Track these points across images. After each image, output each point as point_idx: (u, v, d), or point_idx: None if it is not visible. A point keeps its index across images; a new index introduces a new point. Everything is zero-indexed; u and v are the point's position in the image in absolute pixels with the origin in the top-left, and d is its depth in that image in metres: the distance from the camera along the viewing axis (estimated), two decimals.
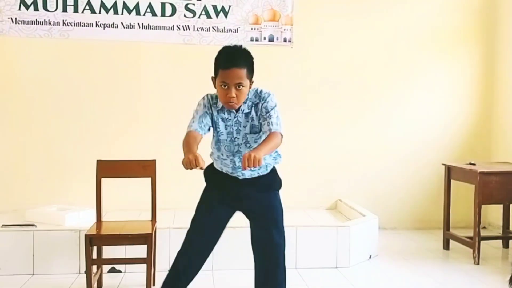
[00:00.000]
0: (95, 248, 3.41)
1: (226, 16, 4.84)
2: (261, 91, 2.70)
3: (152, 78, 4.87)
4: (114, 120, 4.82)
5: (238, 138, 2.69)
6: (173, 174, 4.67)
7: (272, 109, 2.65)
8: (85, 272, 3.33)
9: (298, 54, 4.98)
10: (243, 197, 2.76)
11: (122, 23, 4.74)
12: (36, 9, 4.65)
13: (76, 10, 4.70)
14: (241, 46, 2.65)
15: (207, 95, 2.74)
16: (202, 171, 2.72)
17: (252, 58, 2.63)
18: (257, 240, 2.77)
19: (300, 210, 4.90)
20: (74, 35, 4.69)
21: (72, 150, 4.76)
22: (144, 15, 4.76)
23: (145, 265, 3.34)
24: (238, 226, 3.99)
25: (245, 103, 2.67)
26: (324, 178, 5.12)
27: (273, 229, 2.73)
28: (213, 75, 2.62)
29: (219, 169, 2.79)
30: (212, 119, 2.70)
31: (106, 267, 3.79)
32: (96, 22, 4.72)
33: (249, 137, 2.69)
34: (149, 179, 3.59)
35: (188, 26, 4.80)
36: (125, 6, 4.73)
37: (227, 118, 2.68)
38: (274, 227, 2.74)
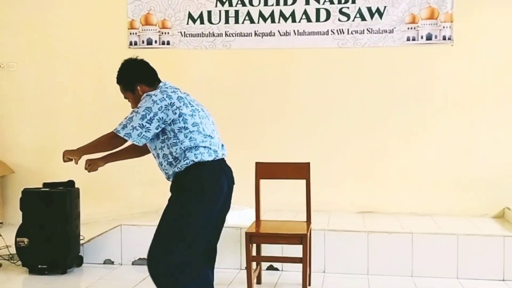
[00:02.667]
0: (254, 245, 3.61)
1: (381, 17, 4.78)
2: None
3: (307, 83, 4.99)
4: (272, 124, 5.03)
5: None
6: (326, 176, 4.78)
7: (132, 112, 2.69)
8: (246, 268, 3.54)
9: (459, 52, 4.73)
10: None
11: (278, 31, 4.93)
12: (201, 22, 5.04)
13: (237, 21, 4.99)
14: (126, 62, 2.92)
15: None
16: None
17: (123, 73, 2.89)
18: None
19: (463, 218, 4.64)
20: (235, 45, 4.99)
21: (233, 152, 5.04)
22: (299, 22, 4.90)
23: (301, 264, 3.45)
24: (395, 231, 3.98)
25: None
26: (490, 184, 4.78)
27: (154, 239, 2.67)
28: None
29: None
30: None
31: (264, 265, 3.98)
32: (255, 31, 4.96)
33: (150, 143, 2.76)
34: (304, 181, 3.70)
35: (342, 30, 4.84)
36: (281, 14, 4.92)
37: None
38: (157, 236, 2.66)
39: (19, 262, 4.02)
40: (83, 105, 5.28)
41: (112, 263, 4.21)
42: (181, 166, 2.68)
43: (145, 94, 2.73)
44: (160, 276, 2.65)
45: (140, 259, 4.18)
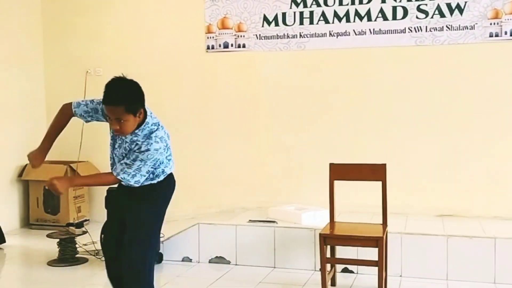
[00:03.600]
0: (328, 247, 3.60)
1: (461, 13, 4.61)
2: (149, 139, 2.76)
3: (383, 82, 4.90)
4: (346, 124, 4.98)
5: (116, 156, 2.88)
6: (403, 178, 4.67)
7: (140, 160, 2.74)
8: (320, 269, 3.54)
9: None
10: (124, 209, 2.94)
11: (354, 30, 4.88)
12: (276, 24, 5.09)
13: (311, 22, 4.99)
14: (125, 80, 2.75)
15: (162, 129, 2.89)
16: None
17: (133, 93, 2.73)
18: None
19: None
20: (310, 46, 5.00)
21: (308, 153, 5.07)
22: (375, 20, 4.82)
23: (376, 268, 3.40)
24: (476, 236, 3.83)
25: (143, 129, 2.78)
26: None
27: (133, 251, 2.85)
28: None
29: None
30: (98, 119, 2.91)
31: (339, 267, 3.96)
32: (330, 31, 4.94)
33: (122, 160, 2.81)
34: (380, 183, 3.65)
35: (420, 27, 4.71)
36: (357, 13, 4.86)
37: (115, 137, 2.88)
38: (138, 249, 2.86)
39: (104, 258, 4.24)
40: (163, 108, 5.47)
41: (190, 260, 4.35)
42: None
43: (152, 138, 2.78)
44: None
45: (217, 257, 4.29)
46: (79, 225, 4.44)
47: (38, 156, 2.95)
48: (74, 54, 5.69)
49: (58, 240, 4.32)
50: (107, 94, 2.72)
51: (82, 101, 2.95)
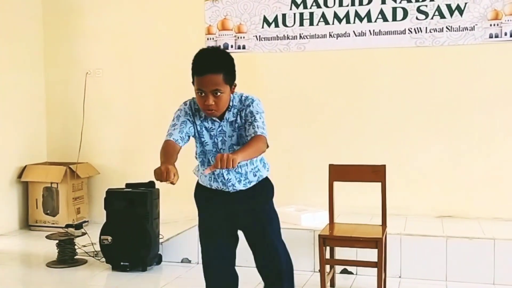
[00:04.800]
0: (328, 248, 3.59)
1: (461, 14, 4.61)
2: (246, 98, 2.52)
3: (383, 83, 4.89)
4: (346, 125, 4.98)
5: (224, 150, 2.51)
6: (403, 179, 4.66)
7: (258, 113, 2.47)
8: (319, 270, 3.54)
9: None
10: (239, 213, 2.64)
11: (354, 31, 4.88)
12: (276, 25, 5.09)
13: (311, 23, 4.99)
14: (218, 48, 2.50)
15: (189, 100, 2.56)
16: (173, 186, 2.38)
17: (230, 60, 2.44)
18: (262, 259, 2.67)
19: None
20: (310, 47, 4.99)
21: (307, 154, 5.07)
22: (375, 21, 4.82)
23: (375, 269, 3.39)
24: (476, 237, 3.82)
25: (230, 110, 2.49)
26: None
27: (277, 244, 2.63)
28: (192, 81, 2.45)
29: (208, 186, 2.65)
30: (194, 128, 2.51)
31: (338, 268, 3.95)
32: (330, 32, 4.94)
33: (236, 147, 2.49)
34: (379, 184, 3.64)
35: (420, 28, 4.71)
36: (357, 14, 4.86)
37: (211, 127, 2.51)
38: (278, 241, 2.65)
39: (103, 259, 4.25)
40: (164, 109, 5.46)
41: (190, 262, 4.34)
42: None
43: (248, 97, 2.54)
44: (292, 270, 2.76)
45: None
46: (78, 226, 4.45)
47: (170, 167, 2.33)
48: (74, 55, 5.69)
49: (57, 241, 4.32)
50: (202, 63, 2.41)
51: (170, 129, 2.54)
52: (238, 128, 2.53)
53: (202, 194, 2.74)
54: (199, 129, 2.53)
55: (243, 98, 2.54)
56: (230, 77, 2.44)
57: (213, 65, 2.39)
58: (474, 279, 3.72)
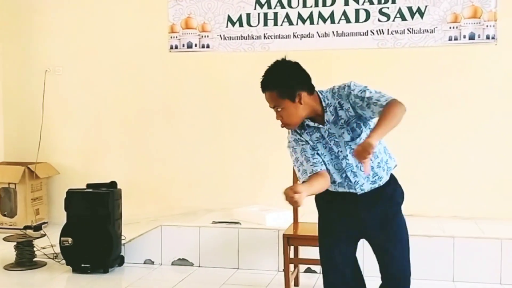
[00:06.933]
0: (292, 247, 3.61)
1: (422, 17, 4.70)
2: (338, 89, 2.42)
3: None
4: None
5: (341, 151, 2.41)
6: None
7: (364, 91, 2.34)
8: (283, 270, 3.55)
9: (503, 52, 4.60)
10: (367, 219, 2.48)
11: (317, 32, 4.91)
12: (240, 25, 5.08)
13: (275, 23, 5.00)
14: (278, 62, 2.42)
15: (289, 132, 2.53)
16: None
17: (283, 75, 2.38)
18: (388, 270, 2.52)
19: (507, 222, 4.44)
20: (274, 47, 4.99)
21: (272, 154, 5.07)
22: (338, 23, 4.87)
23: None
24: (435, 235, 3.89)
25: (326, 111, 2.39)
26: None
27: (405, 265, 2.49)
28: None
29: (333, 190, 2.51)
30: (310, 145, 2.44)
31: (302, 267, 3.97)
32: (294, 33, 4.96)
33: (352, 144, 2.38)
34: None
35: (382, 30, 4.78)
36: (320, 15, 4.90)
37: (319, 136, 2.43)
38: (407, 255, 2.49)
39: (63, 261, 4.15)
40: (125, 108, 5.40)
41: (152, 263, 4.29)
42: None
43: (340, 86, 2.45)
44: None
45: (179, 259, 4.25)
46: (37, 228, 4.34)
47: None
48: (32, 52, 5.53)
49: (15, 243, 4.20)
50: (261, 80, 2.45)
51: (301, 168, 2.50)
52: (346, 123, 2.40)
53: (324, 199, 2.61)
54: (312, 144, 2.46)
55: (334, 91, 2.45)
56: (285, 91, 2.38)
57: (265, 83, 2.43)
58: (436, 276, 3.77)
